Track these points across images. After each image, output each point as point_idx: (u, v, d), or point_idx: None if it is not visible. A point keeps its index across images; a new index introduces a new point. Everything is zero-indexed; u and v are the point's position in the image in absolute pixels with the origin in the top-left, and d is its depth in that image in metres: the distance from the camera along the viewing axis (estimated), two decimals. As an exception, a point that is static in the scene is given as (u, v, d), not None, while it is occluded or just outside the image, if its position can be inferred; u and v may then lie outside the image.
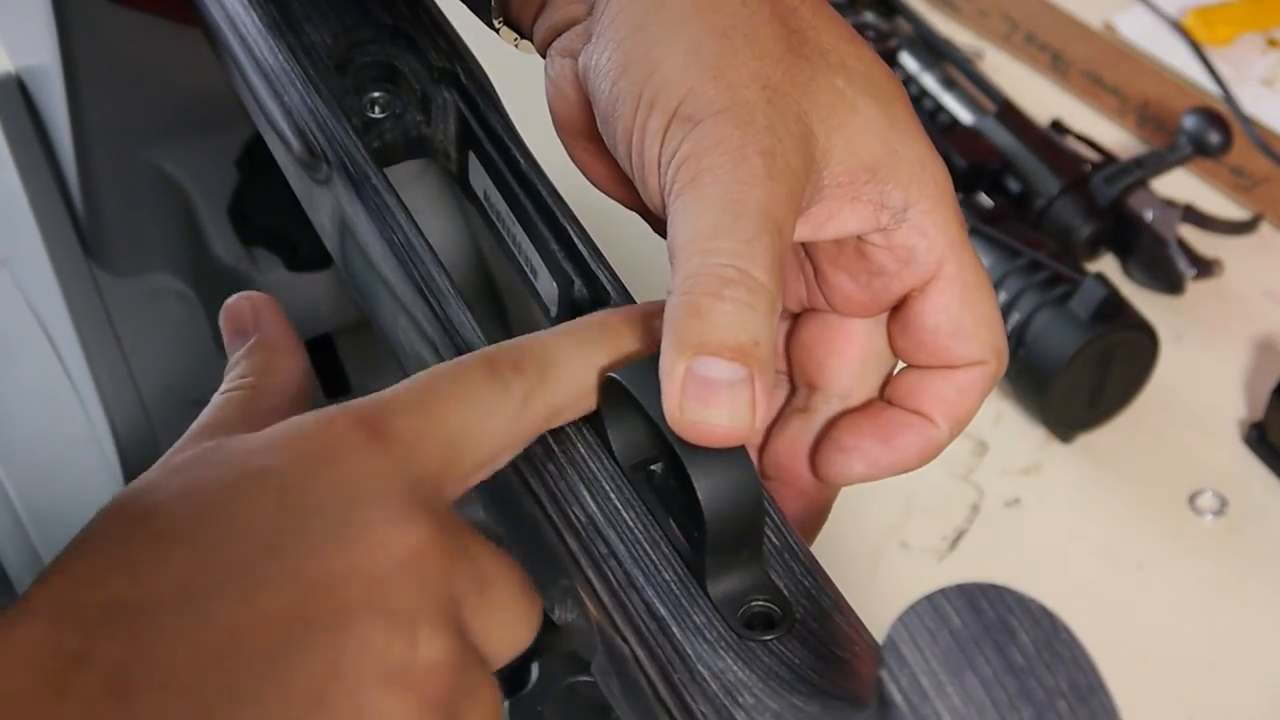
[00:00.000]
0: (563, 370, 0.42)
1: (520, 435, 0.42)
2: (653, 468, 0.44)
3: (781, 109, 0.42)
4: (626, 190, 0.48)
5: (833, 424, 0.47)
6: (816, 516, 0.48)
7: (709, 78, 0.42)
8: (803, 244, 0.47)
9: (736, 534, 0.42)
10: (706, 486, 0.41)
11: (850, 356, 0.48)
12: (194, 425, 0.46)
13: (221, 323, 0.49)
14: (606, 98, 0.44)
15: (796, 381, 0.49)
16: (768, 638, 0.41)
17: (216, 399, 0.48)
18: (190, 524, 0.39)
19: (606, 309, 0.45)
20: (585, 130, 0.47)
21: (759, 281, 0.40)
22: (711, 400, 0.40)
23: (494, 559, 0.42)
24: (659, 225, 0.44)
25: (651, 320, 0.43)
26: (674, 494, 0.43)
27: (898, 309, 0.47)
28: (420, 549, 0.40)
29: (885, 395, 0.48)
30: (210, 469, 0.41)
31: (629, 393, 0.42)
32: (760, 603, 0.42)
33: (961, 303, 0.48)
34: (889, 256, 0.45)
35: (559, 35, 0.47)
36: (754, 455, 0.48)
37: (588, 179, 0.49)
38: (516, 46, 0.52)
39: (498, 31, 0.51)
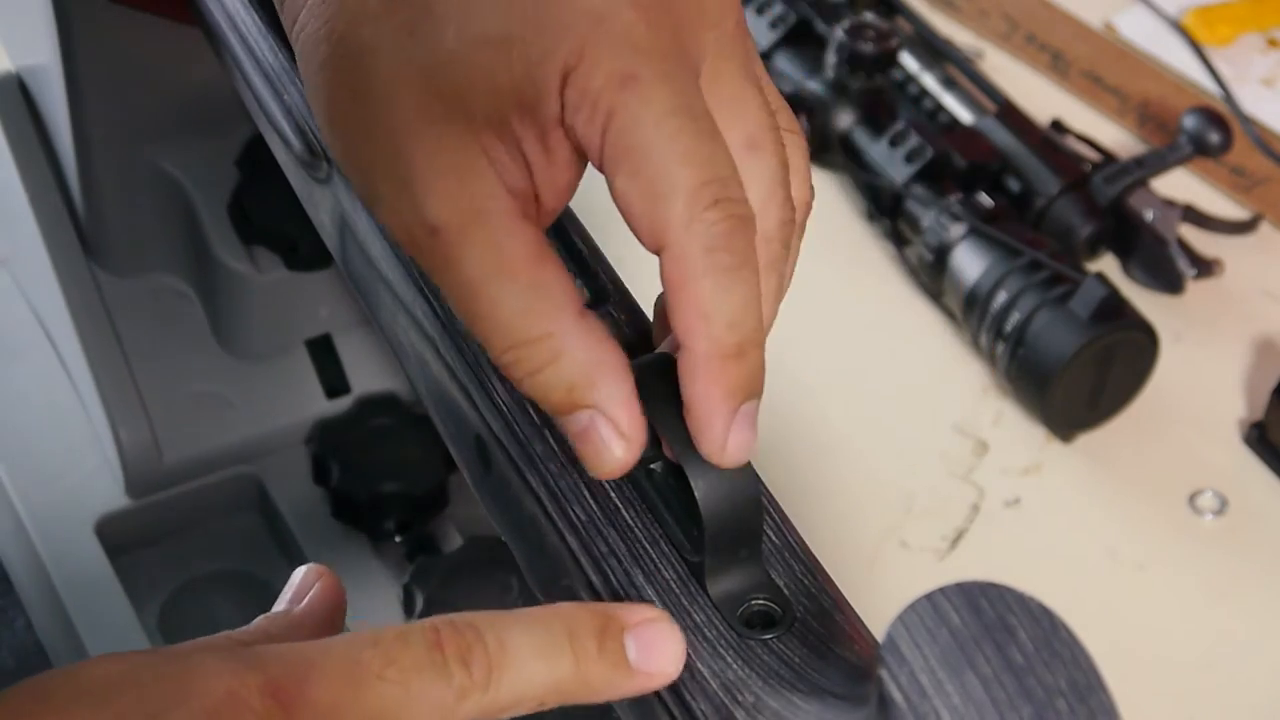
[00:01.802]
0: (513, 679, 0.38)
1: None
2: (652, 467, 0.44)
3: (419, 139, 0.42)
4: None
5: None
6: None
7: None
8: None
9: (735, 534, 0.42)
10: (704, 488, 0.41)
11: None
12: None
13: (292, 578, 0.46)
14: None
15: None
16: (768, 636, 0.41)
17: (209, 639, 0.42)
18: None
19: (575, 605, 0.40)
20: None
21: (523, 344, 0.41)
22: (582, 451, 0.41)
23: None
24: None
25: (617, 625, 0.40)
26: (674, 493, 0.43)
27: None
28: None
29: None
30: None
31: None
32: (760, 602, 0.42)
33: (626, 163, 0.41)
34: (577, 132, 0.42)
35: None
36: None
37: None
38: None
39: None
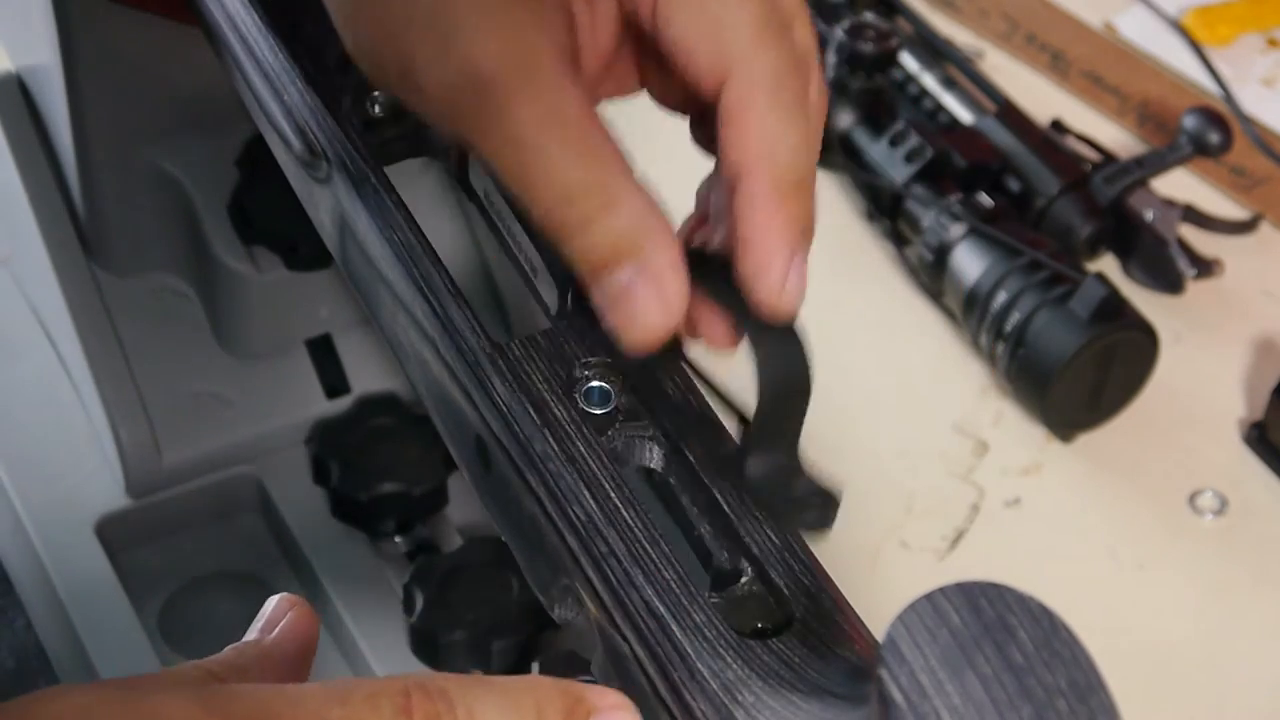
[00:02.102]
0: None
1: None
2: (653, 468, 0.44)
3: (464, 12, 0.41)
4: None
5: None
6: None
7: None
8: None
9: (788, 406, 0.41)
10: (763, 354, 0.41)
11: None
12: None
13: (264, 607, 0.45)
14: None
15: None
16: (813, 514, 0.41)
17: (177, 669, 0.41)
18: None
19: (547, 681, 0.39)
20: None
21: (580, 194, 0.40)
22: (622, 313, 0.41)
23: None
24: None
25: (585, 708, 0.39)
26: (673, 496, 0.43)
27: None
28: None
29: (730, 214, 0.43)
30: None
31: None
32: (805, 483, 0.41)
33: (683, 9, 0.41)
34: None
35: None
36: None
37: None
38: None
39: None
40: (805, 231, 0.41)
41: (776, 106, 0.40)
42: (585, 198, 0.40)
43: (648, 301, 0.40)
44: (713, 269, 0.41)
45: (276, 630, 0.44)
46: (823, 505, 0.41)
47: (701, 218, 0.45)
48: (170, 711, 0.35)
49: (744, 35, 0.40)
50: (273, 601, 0.45)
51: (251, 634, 0.44)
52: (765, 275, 0.40)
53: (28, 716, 0.35)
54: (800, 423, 0.42)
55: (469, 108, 0.41)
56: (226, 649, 0.43)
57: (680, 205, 0.46)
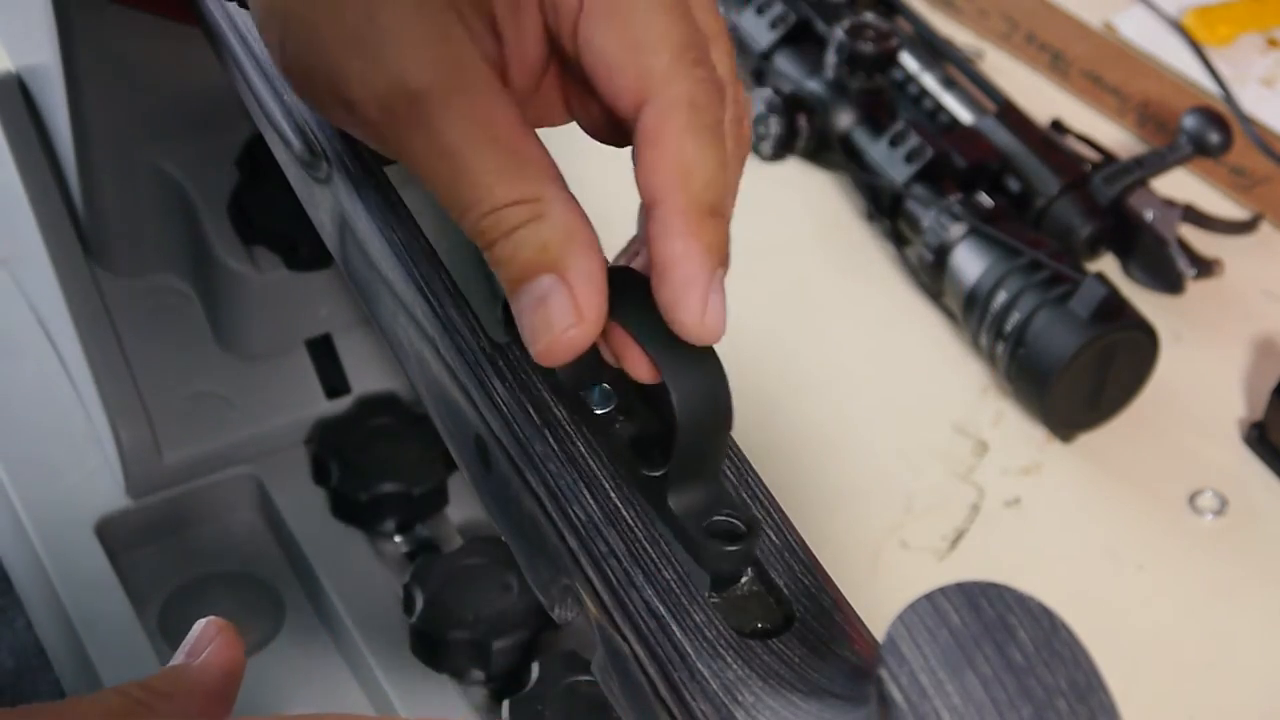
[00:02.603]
0: None
1: None
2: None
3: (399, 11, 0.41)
4: None
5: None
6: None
7: (345, 44, 0.42)
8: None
9: (706, 438, 0.41)
10: (680, 387, 0.40)
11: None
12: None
13: (190, 633, 0.46)
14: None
15: None
16: (731, 549, 0.41)
17: (97, 695, 0.42)
18: None
19: None
20: None
21: (505, 203, 0.41)
22: (537, 322, 0.41)
23: None
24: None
25: None
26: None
27: None
28: None
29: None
30: None
31: None
32: (723, 517, 0.42)
33: (608, 19, 0.41)
34: (552, 13, 0.42)
35: None
36: None
37: None
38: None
39: None
40: (723, 256, 0.41)
41: (692, 130, 0.40)
42: (516, 208, 0.41)
43: (562, 311, 0.40)
44: (639, 294, 0.41)
45: (203, 655, 0.45)
46: (745, 538, 0.41)
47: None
48: None
49: (663, 58, 0.40)
50: (199, 626, 0.46)
51: (178, 658, 0.45)
52: (685, 300, 0.40)
53: None
54: (722, 454, 0.42)
55: (399, 121, 0.41)
56: (157, 674, 0.44)
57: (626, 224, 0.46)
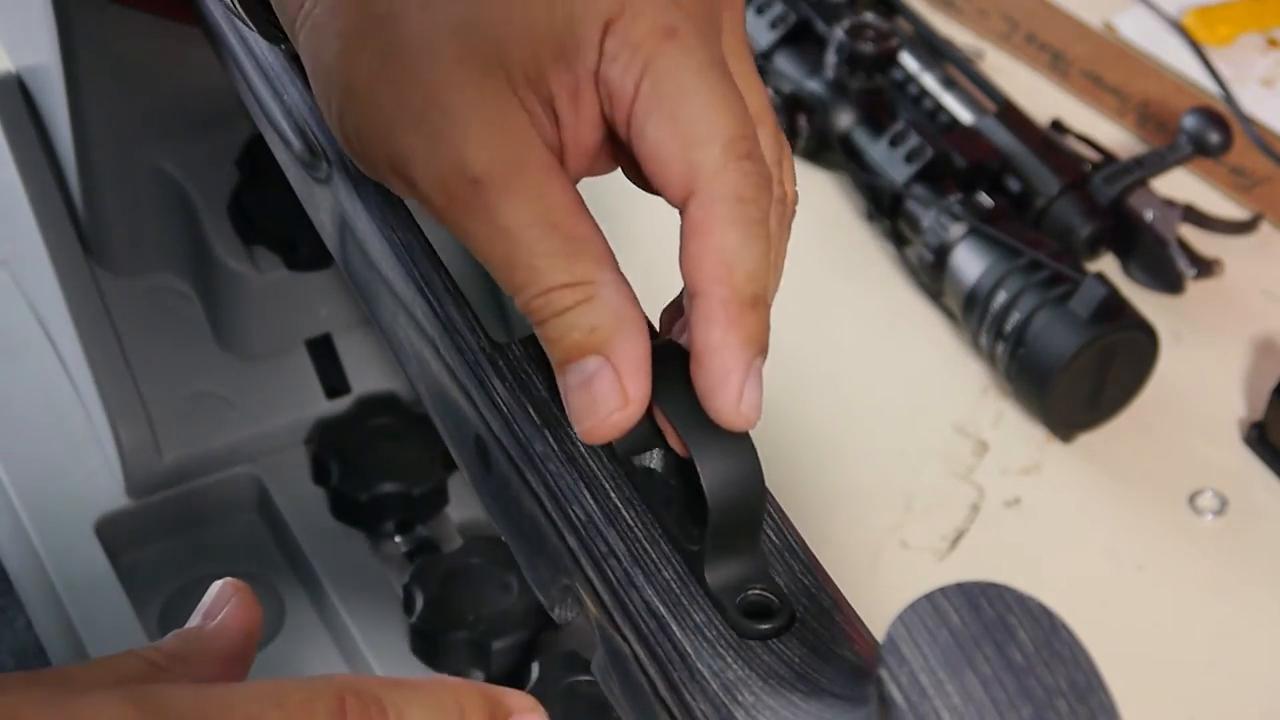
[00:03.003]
0: None
1: None
2: (651, 465, 0.44)
3: (462, 92, 0.42)
4: None
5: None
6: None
7: (397, 108, 0.43)
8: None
9: (738, 519, 0.42)
10: (710, 471, 0.41)
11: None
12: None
13: (206, 595, 0.45)
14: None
15: None
16: (765, 626, 0.41)
17: (117, 657, 0.41)
18: None
19: (466, 684, 0.41)
20: None
21: (559, 284, 0.42)
22: (582, 402, 0.42)
23: None
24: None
25: (504, 711, 0.41)
26: (675, 481, 0.43)
27: None
28: None
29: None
30: None
31: None
32: (758, 592, 0.42)
33: (660, 112, 0.42)
34: (605, 81, 0.43)
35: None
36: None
37: None
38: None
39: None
40: (762, 346, 0.42)
41: (737, 224, 0.41)
42: (569, 290, 0.41)
43: (608, 394, 0.42)
44: (675, 372, 0.42)
45: (219, 617, 0.44)
46: (778, 614, 0.42)
47: None
48: (103, 714, 0.35)
49: (712, 152, 0.41)
50: (215, 587, 0.45)
51: (194, 620, 0.44)
52: (722, 388, 0.41)
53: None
54: (756, 532, 0.42)
55: (458, 202, 0.42)
56: (169, 636, 0.43)
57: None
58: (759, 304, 0.41)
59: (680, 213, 0.42)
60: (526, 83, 0.42)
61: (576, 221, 0.42)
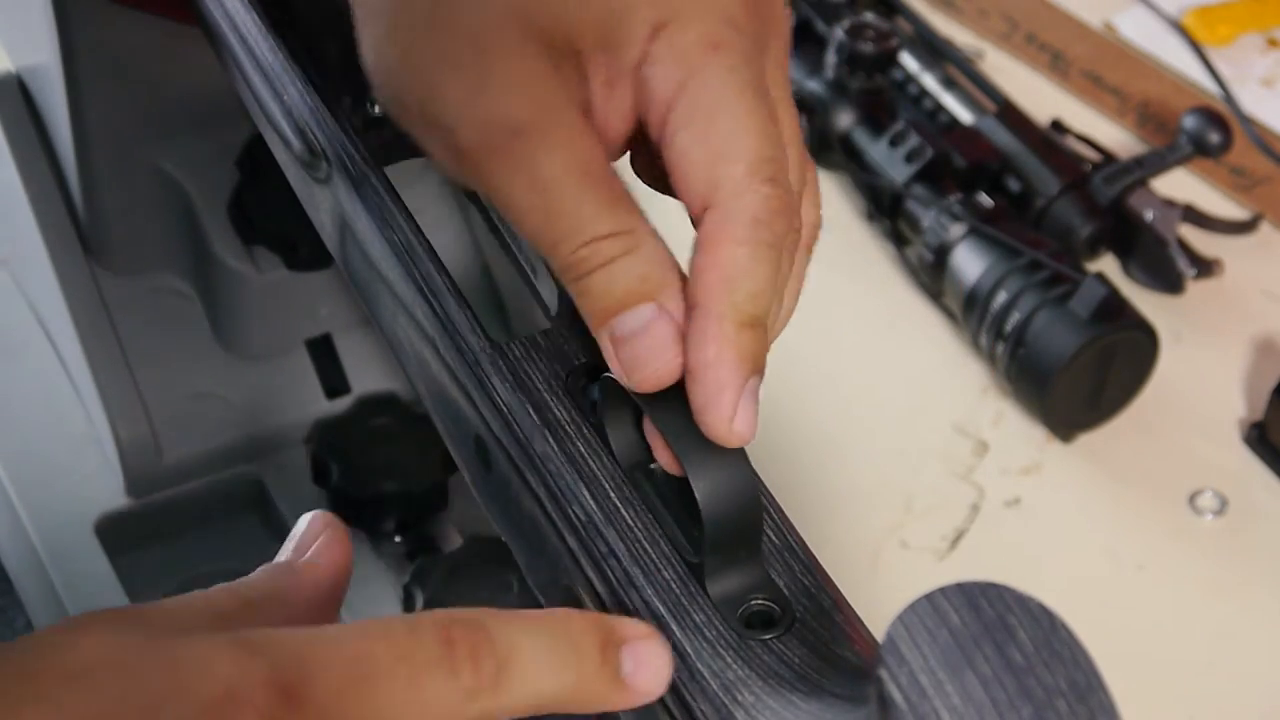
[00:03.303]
0: (520, 684, 0.37)
1: None
2: (652, 467, 0.44)
3: (502, 58, 0.42)
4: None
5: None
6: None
7: (436, 61, 0.43)
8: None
9: (735, 533, 0.42)
10: (704, 486, 0.41)
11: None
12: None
13: (294, 528, 0.43)
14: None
15: None
16: (767, 636, 0.41)
17: (203, 594, 0.39)
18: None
19: (578, 614, 0.40)
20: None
21: (607, 236, 0.41)
22: (641, 348, 0.41)
23: None
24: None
25: (617, 638, 0.39)
26: (673, 493, 0.43)
27: None
28: None
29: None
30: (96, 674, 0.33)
31: (627, 393, 0.42)
32: (760, 602, 0.42)
33: (692, 124, 0.42)
34: (644, 87, 0.43)
35: None
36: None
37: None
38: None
39: None
40: (758, 365, 0.41)
41: (747, 244, 0.41)
42: (612, 240, 0.41)
43: (666, 339, 0.41)
44: (670, 389, 0.42)
45: (310, 552, 0.43)
46: (779, 623, 0.41)
47: None
48: (208, 657, 0.34)
49: (737, 170, 0.41)
50: (306, 520, 0.43)
51: (284, 555, 0.43)
52: (715, 405, 0.41)
53: (61, 658, 0.34)
54: (754, 544, 0.42)
55: (496, 151, 0.42)
56: (259, 570, 0.41)
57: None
58: (758, 325, 0.41)
59: (695, 224, 0.42)
60: (567, 58, 0.43)
61: (612, 175, 0.42)
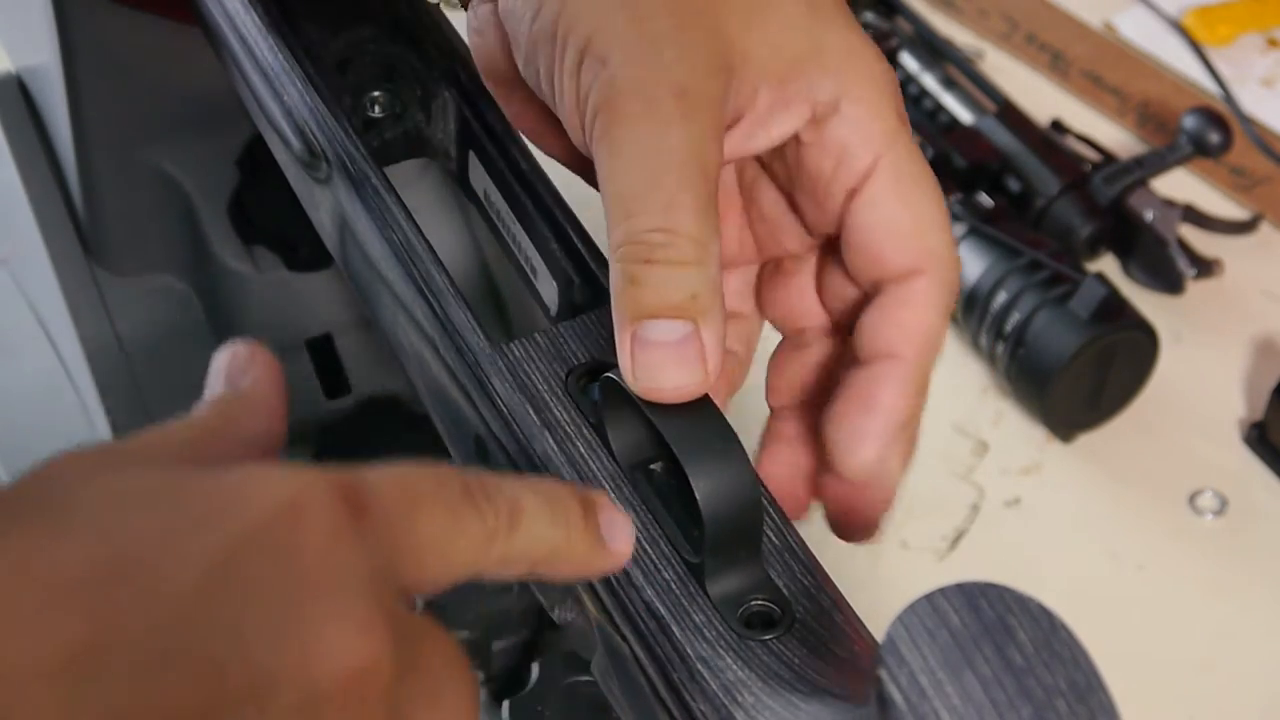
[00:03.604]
0: (526, 534, 0.38)
1: (473, 570, 0.37)
2: (652, 467, 0.44)
3: (692, 31, 0.42)
4: (555, 141, 0.47)
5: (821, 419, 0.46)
6: (866, 508, 0.47)
7: (616, 8, 0.42)
8: (741, 177, 0.48)
9: (735, 533, 0.42)
10: (704, 486, 0.41)
11: (810, 292, 0.48)
12: (113, 443, 0.36)
13: (212, 366, 0.41)
14: (526, 39, 0.43)
15: (784, 332, 0.49)
16: (767, 637, 0.41)
17: (159, 428, 0.37)
18: (97, 571, 0.30)
19: (559, 482, 0.42)
20: (510, 78, 0.46)
21: (687, 236, 0.41)
22: (661, 360, 0.41)
23: (446, 668, 0.36)
24: (588, 174, 0.44)
25: (594, 503, 0.40)
26: (674, 494, 0.43)
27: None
28: (368, 667, 0.33)
29: (853, 349, 0.45)
30: (144, 499, 0.32)
31: (627, 393, 0.42)
32: (760, 602, 0.42)
33: (896, 196, 0.44)
34: (823, 156, 0.44)
35: None
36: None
37: (519, 131, 0.49)
38: (441, 5, 0.52)
39: None
40: (918, 424, 0.46)
41: (944, 312, 0.45)
42: (686, 244, 0.41)
43: (691, 361, 0.41)
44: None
45: (248, 376, 0.41)
46: (778, 623, 0.42)
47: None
48: (264, 479, 0.34)
49: (944, 237, 0.44)
50: (224, 354, 0.41)
51: (216, 386, 0.40)
52: (861, 450, 0.44)
53: (109, 490, 0.32)
54: (757, 542, 0.42)
55: (653, 103, 0.41)
56: (206, 402, 0.39)
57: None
58: (930, 370, 0.45)
59: (880, 283, 0.44)
60: (738, 81, 0.43)
61: (716, 191, 0.42)
